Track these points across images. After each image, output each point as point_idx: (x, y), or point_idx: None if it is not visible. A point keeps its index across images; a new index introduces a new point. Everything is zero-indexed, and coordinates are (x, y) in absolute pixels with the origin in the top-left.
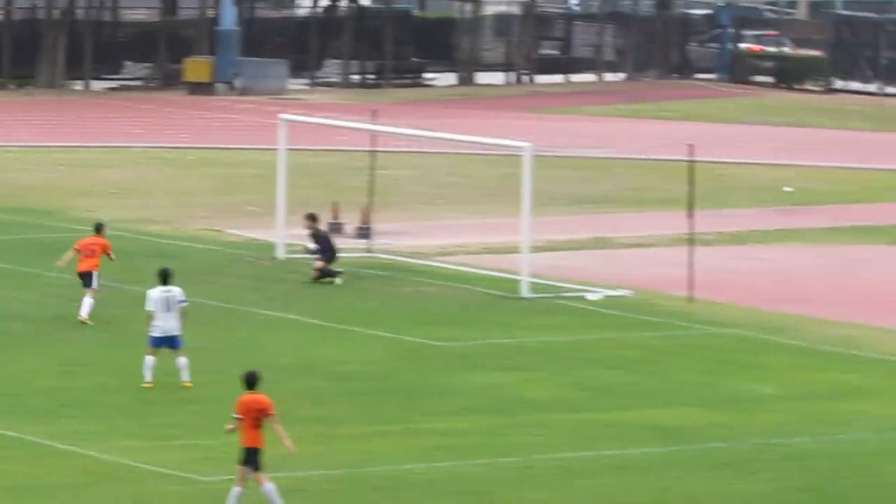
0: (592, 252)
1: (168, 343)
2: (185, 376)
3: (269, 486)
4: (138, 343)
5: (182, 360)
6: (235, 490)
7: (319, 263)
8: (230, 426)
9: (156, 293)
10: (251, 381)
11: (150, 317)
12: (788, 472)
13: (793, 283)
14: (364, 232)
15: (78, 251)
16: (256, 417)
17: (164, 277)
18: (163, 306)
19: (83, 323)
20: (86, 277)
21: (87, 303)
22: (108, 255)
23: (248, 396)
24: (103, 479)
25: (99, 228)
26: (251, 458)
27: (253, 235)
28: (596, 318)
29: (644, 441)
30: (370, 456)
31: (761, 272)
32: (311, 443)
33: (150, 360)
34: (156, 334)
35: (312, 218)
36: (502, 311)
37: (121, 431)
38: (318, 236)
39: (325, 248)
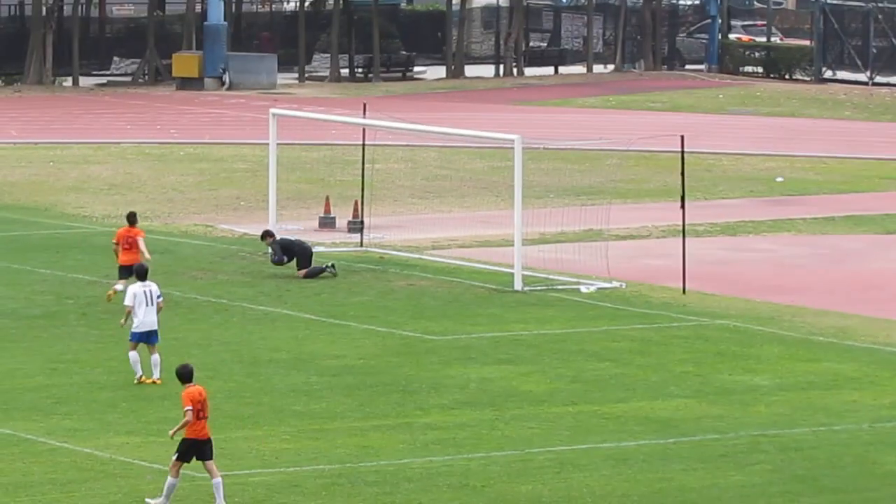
0: (585, 244)
1: (148, 338)
2: (157, 374)
3: (173, 481)
4: (128, 340)
5: (155, 357)
6: (215, 481)
7: (301, 273)
8: (183, 423)
9: (136, 288)
10: (190, 374)
11: (129, 312)
12: (785, 463)
13: (785, 273)
14: (356, 226)
15: (117, 244)
16: (202, 409)
17: (142, 274)
18: (143, 301)
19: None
20: (126, 271)
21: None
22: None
23: (193, 388)
24: (99, 476)
25: (132, 219)
26: (209, 449)
27: (244, 230)
28: (589, 311)
29: (640, 433)
30: (365, 450)
31: (754, 263)
32: (307, 438)
33: (133, 355)
34: (138, 329)
35: (268, 235)
36: (496, 304)
37: (115, 428)
38: (276, 248)
39: (290, 255)
